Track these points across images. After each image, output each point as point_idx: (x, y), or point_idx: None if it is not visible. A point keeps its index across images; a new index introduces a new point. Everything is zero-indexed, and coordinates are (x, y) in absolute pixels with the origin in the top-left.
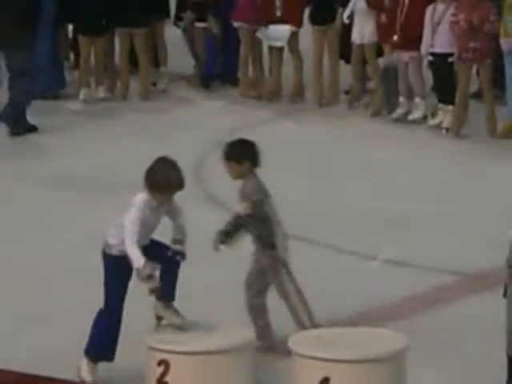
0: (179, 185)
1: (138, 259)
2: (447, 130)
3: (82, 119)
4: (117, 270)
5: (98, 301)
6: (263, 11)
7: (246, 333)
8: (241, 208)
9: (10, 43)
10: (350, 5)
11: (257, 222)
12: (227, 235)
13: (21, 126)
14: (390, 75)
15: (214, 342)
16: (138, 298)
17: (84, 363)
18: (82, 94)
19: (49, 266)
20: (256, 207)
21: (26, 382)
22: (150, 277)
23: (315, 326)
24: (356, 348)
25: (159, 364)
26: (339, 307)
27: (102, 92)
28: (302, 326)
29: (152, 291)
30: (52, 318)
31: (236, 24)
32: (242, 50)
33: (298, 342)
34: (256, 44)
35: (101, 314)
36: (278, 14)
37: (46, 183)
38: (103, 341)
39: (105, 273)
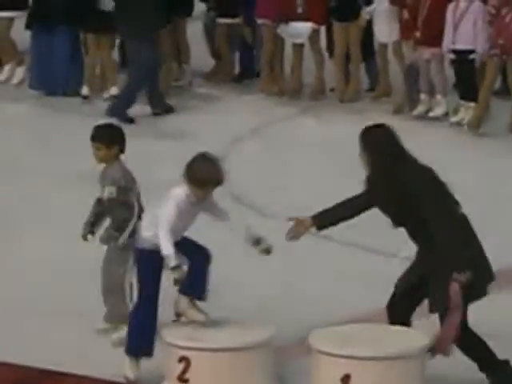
0: (219, 180)
1: (168, 247)
2: (469, 126)
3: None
4: (150, 264)
5: None
6: (284, 8)
7: (266, 329)
8: (105, 192)
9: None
10: (375, 2)
11: (119, 208)
12: (92, 225)
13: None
14: (413, 72)
15: (235, 338)
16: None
17: (126, 361)
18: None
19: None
20: (121, 192)
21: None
22: (177, 267)
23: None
24: (377, 345)
25: (180, 361)
26: (360, 304)
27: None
28: (123, 318)
29: (177, 281)
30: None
31: (259, 21)
32: (265, 46)
33: (319, 338)
34: (277, 41)
35: (136, 310)
36: (300, 10)
37: (70, 181)
38: (141, 336)
39: (138, 268)
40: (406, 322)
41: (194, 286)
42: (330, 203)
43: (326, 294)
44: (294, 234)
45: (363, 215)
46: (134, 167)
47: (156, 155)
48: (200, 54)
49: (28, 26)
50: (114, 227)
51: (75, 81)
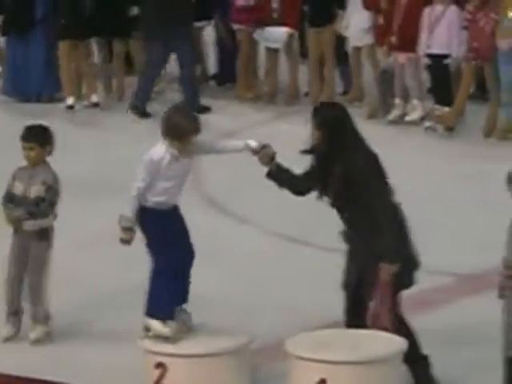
0: (196, 128)
1: (127, 210)
2: (445, 130)
3: (73, 122)
4: (155, 223)
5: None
6: (260, 13)
7: (241, 335)
8: (36, 192)
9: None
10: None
11: (47, 208)
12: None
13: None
14: (387, 77)
15: (211, 344)
16: (133, 298)
17: (153, 323)
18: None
19: None
20: (52, 193)
21: None
22: (128, 229)
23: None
24: (353, 349)
25: (156, 367)
26: (336, 309)
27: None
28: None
29: (123, 241)
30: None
31: (235, 26)
32: (242, 51)
33: (295, 343)
34: (252, 46)
35: (153, 274)
36: (275, 15)
37: None
38: (162, 299)
39: (145, 234)
40: (363, 325)
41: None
42: (304, 207)
43: (302, 299)
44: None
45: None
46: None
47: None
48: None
49: (4, 33)
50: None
51: (49, 87)
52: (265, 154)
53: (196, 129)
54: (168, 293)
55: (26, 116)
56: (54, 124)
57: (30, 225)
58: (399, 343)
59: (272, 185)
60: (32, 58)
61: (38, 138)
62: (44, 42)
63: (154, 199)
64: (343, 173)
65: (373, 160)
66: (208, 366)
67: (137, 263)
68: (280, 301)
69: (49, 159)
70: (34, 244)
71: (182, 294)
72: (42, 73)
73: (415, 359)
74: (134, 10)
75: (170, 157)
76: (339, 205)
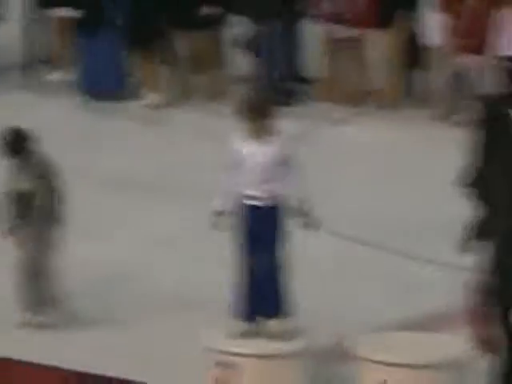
0: (253, 104)
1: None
2: None
3: (141, 122)
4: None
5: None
6: (336, 13)
7: (305, 336)
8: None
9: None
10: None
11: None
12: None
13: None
14: (457, 79)
15: (274, 344)
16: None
17: (280, 323)
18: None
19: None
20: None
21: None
22: (219, 212)
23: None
24: (416, 353)
25: (217, 365)
26: (402, 311)
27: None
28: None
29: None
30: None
31: (316, 23)
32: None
33: (360, 344)
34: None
35: (274, 272)
36: (349, 16)
37: (110, 184)
38: (286, 295)
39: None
40: None
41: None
42: (369, 210)
43: (370, 301)
44: None
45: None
46: (177, 174)
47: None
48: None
49: (79, 33)
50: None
51: (124, 86)
52: None
53: (253, 105)
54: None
55: (102, 115)
56: (128, 123)
57: None
58: (464, 348)
59: (339, 188)
60: (107, 57)
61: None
62: (118, 39)
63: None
64: None
65: None
66: (271, 366)
67: (198, 263)
68: (349, 302)
69: (113, 156)
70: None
71: None
72: (117, 72)
73: None
74: (205, 9)
75: (242, 145)
76: None
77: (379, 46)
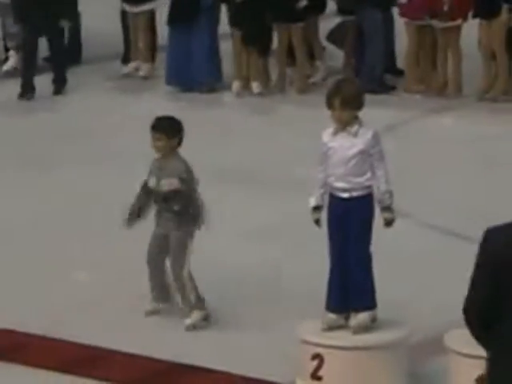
0: (334, 92)
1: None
2: None
3: (237, 113)
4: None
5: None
6: (431, 5)
7: (401, 328)
8: (165, 185)
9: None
10: None
11: (182, 198)
12: (138, 214)
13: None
14: None
15: (370, 337)
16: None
17: (368, 315)
18: (235, 87)
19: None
20: (186, 185)
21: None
22: (316, 207)
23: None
24: None
25: (313, 358)
26: None
27: (256, 87)
28: (187, 303)
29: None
30: None
31: (403, 19)
32: (409, 44)
33: (454, 338)
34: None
35: (364, 263)
36: (446, 8)
37: (210, 175)
38: (373, 287)
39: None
40: None
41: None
42: (465, 202)
43: (462, 293)
44: None
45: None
46: (268, 164)
47: (290, 153)
48: (335, 52)
49: (170, 22)
50: (189, 216)
51: (213, 76)
52: None
53: (333, 93)
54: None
55: (191, 105)
56: (218, 113)
57: (168, 218)
58: None
59: (434, 178)
60: (196, 48)
61: (166, 128)
62: (208, 31)
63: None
64: None
65: None
66: (366, 359)
67: (296, 257)
68: (439, 296)
69: (213, 147)
70: (173, 234)
71: None
72: (205, 62)
73: None
74: (303, 2)
75: (330, 137)
76: None
77: (481, 36)
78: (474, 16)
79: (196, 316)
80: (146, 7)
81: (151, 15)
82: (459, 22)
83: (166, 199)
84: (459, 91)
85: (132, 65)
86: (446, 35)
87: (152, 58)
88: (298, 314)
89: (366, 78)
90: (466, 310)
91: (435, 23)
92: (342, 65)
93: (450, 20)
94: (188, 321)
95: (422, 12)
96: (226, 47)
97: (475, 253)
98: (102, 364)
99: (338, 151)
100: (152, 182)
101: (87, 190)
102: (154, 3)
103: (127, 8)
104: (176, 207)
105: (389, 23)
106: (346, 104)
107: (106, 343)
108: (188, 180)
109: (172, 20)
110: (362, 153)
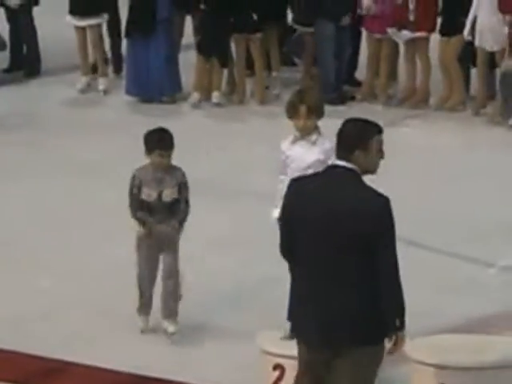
0: (300, 101)
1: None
2: None
3: (196, 124)
4: None
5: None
6: (396, 16)
7: None
8: (171, 193)
9: None
10: (470, 17)
11: (182, 204)
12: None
13: None
14: (508, 81)
15: None
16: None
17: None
18: (193, 98)
19: None
20: (185, 189)
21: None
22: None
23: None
24: (474, 355)
25: (274, 369)
26: (457, 314)
27: (216, 98)
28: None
29: None
30: None
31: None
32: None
33: (416, 347)
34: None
35: None
36: (411, 18)
37: None
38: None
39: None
40: None
41: None
42: (422, 210)
43: (423, 304)
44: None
45: (464, 225)
46: (229, 175)
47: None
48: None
49: (127, 35)
50: (180, 222)
51: (171, 87)
52: None
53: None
54: None
55: (150, 116)
56: (177, 124)
57: (164, 226)
58: None
59: (392, 186)
60: (154, 59)
61: (172, 144)
62: (165, 42)
63: None
64: None
65: None
66: None
67: (256, 267)
68: None
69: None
70: (169, 233)
71: None
72: (163, 73)
73: None
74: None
75: (291, 139)
76: None
77: (438, 51)
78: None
79: (176, 323)
80: (93, 21)
81: (99, 29)
82: (426, 33)
83: (171, 208)
84: (426, 101)
85: (83, 80)
86: (414, 46)
87: (107, 71)
88: (259, 324)
89: (322, 88)
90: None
91: (402, 35)
92: (301, 75)
93: (416, 30)
94: (172, 328)
95: (388, 24)
96: (191, 58)
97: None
98: (59, 376)
99: (296, 160)
100: (148, 196)
101: (46, 199)
102: (101, 18)
103: (74, 22)
104: (178, 210)
105: (353, 34)
106: (312, 112)
107: (63, 355)
108: (186, 182)
109: (129, 32)
110: (319, 162)
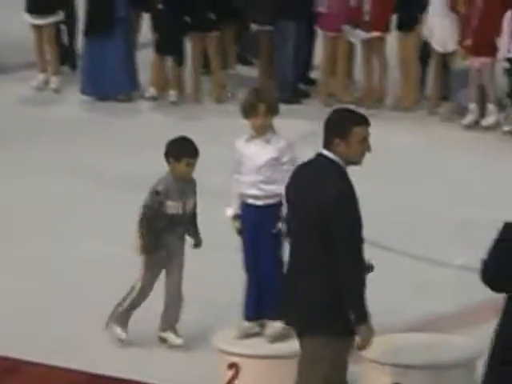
0: (259, 100)
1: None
2: None
3: (153, 121)
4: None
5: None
6: (349, 15)
7: None
8: (192, 203)
9: None
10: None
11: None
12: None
13: None
14: (462, 81)
15: (285, 345)
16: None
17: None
18: (150, 91)
19: None
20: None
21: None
22: (233, 218)
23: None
24: (428, 354)
25: (229, 367)
26: (411, 313)
27: (172, 96)
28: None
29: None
30: None
31: (322, 31)
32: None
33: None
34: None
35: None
36: (366, 18)
37: (114, 184)
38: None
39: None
40: None
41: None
42: (379, 210)
43: (377, 303)
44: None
45: (421, 224)
46: None
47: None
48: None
49: (85, 33)
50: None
51: (128, 86)
52: None
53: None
54: None
55: (107, 114)
56: (134, 122)
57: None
58: (474, 348)
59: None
60: (110, 57)
61: (198, 152)
62: (122, 40)
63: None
64: None
65: None
66: (280, 368)
67: (214, 266)
68: None
69: (128, 156)
70: (179, 251)
71: None
72: (120, 71)
73: None
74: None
75: (245, 140)
76: None
77: (397, 48)
78: (396, 28)
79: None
80: (50, 20)
81: (56, 27)
82: (381, 33)
83: (191, 218)
84: (381, 101)
85: (40, 77)
86: (370, 46)
87: (59, 70)
88: (217, 323)
89: (279, 87)
90: None
91: (357, 34)
92: (257, 74)
93: (372, 30)
94: (179, 340)
95: (341, 22)
96: (148, 56)
97: (392, 263)
98: (15, 376)
99: (250, 158)
100: (174, 208)
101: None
102: (57, 16)
103: (30, 20)
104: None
105: (308, 34)
106: (270, 110)
107: (21, 354)
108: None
109: (87, 31)
110: (273, 160)
